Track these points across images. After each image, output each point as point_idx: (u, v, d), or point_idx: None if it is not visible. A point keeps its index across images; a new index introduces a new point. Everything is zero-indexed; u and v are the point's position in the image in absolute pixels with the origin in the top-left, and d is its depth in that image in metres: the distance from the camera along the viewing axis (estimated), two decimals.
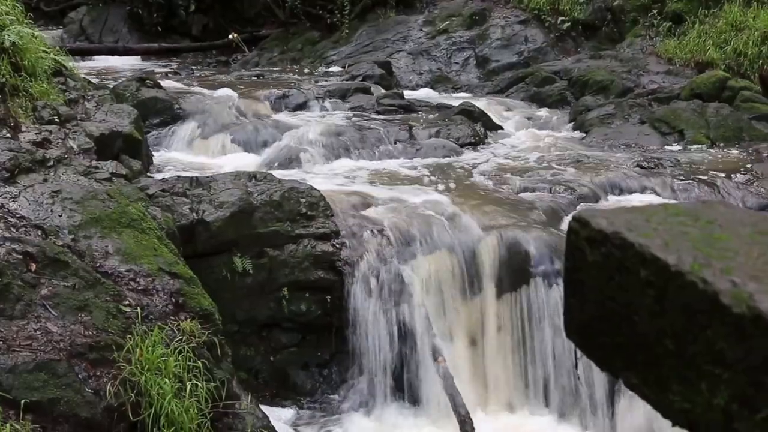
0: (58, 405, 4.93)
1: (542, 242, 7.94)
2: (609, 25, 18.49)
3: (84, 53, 19.90)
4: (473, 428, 7.02)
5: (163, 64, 19.85)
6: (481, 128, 12.61)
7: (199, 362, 5.57)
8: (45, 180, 6.55)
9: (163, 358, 5.38)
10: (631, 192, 9.70)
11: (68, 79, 9.45)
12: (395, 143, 11.53)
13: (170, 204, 7.51)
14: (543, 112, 14.72)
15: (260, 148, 11.33)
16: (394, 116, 13.15)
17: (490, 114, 13.51)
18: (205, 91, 13.88)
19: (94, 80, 12.22)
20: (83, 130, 8.13)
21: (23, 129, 7.48)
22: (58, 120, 7.99)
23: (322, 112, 13.36)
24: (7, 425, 4.55)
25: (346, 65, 17.90)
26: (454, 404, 7.14)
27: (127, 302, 5.70)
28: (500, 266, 7.88)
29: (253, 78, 16.60)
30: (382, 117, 13.06)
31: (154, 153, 10.54)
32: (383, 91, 15.04)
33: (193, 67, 19.00)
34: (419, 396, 7.55)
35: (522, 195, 9.29)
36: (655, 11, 17.64)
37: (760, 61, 14.67)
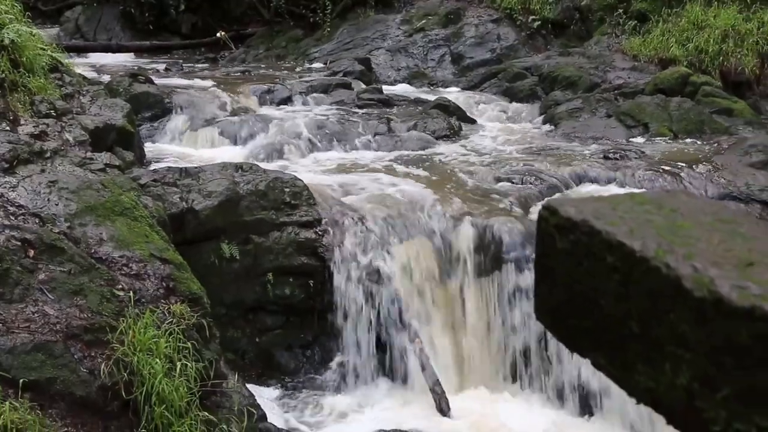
0: (54, 384, 4.93)
1: (514, 229, 7.96)
2: (577, 23, 18.49)
3: (79, 50, 19.77)
4: (448, 405, 7.05)
5: (155, 60, 19.74)
6: (456, 121, 12.62)
7: (189, 343, 5.57)
8: (42, 171, 6.51)
9: (155, 340, 5.38)
10: (598, 182, 9.71)
11: (64, 74, 9.39)
12: (375, 136, 11.53)
13: (161, 193, 7.49)
14: (514, 106, 14.72)
15: (246, 141, 11.29)
16: (374, 110, 13.11)
17: (464, 108, 13.53)
18: (194, 86, 13.83)
19: (89, 76, 12.15)
20: (79, 123, 8.08)
21: (22, 122, 7.44)
22: (54, 114, 7.94)
23: (305, 107, 13.31)
24: (7, 403, 4.55)
25: (328, 62, 17.83)
26: (430, 382, 7.15)
27: (120, 286, 5.69)
28: (475, 252, 7.89)
29: (240, 74, 16.53)
30: (362, 111, 13.02)
31: (146, 145, 10.49)
32: (363, 86, 15.01)
33: (183, 64, 18.89)
34: (397, 375, 7.56)
35: (495, 185, 9.30)
36: (621, 10, 17.63)
37: (721, 58, 14.70)
